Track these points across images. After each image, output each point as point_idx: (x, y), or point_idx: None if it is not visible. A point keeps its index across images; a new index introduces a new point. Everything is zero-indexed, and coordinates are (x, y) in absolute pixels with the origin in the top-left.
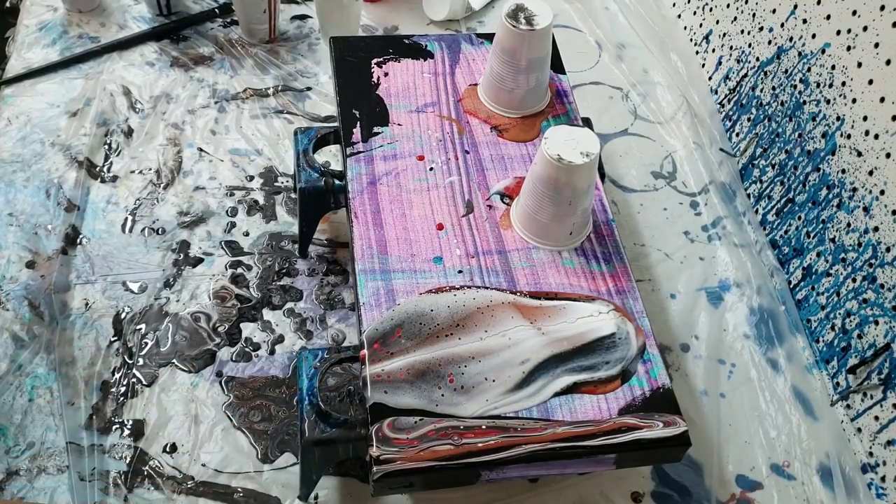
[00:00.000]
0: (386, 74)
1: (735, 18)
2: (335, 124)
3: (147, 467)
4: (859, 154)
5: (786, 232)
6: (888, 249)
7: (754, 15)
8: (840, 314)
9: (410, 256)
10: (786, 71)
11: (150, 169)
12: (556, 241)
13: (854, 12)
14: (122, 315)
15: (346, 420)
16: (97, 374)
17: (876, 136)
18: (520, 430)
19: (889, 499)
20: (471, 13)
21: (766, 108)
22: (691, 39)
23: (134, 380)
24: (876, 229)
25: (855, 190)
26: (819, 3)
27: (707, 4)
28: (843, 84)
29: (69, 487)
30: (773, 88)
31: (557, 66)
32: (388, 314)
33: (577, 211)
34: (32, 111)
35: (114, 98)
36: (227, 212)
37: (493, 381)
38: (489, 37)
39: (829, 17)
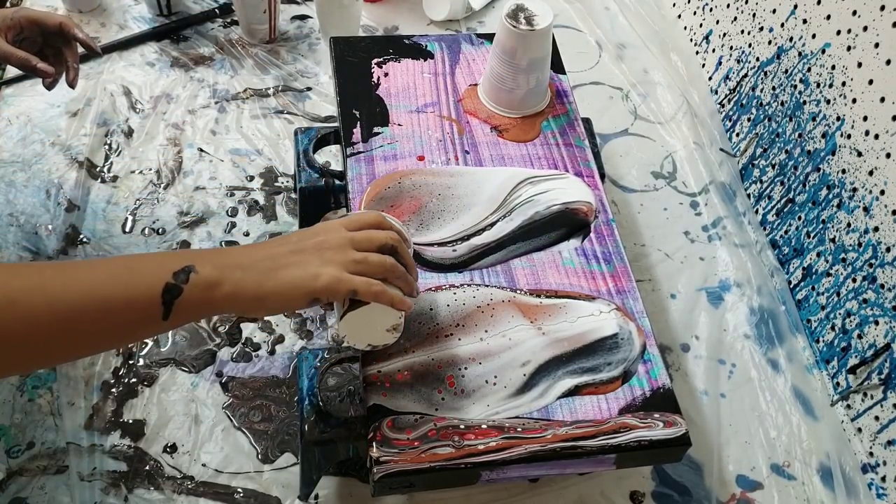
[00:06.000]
0: (386, 74)
1: (735, 18)
2: (335, 124)
3: (147, 467)
4: (859, 154)
5: (786, 232)
6: (888, 249)
7: (754, 15)
8: (840, 314)
9: None
10: (786, 71)
11: (151, 169)
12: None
13: (854, 12)
14: None
15: (347, 420)
16: (97, 374)
17: (876, 137)
18: (520, 430)
19: (889, 499)
20: (471, 13)
21: (767, 108)
22: (691, 39)
23: (134, 380)
24: (876, 229)
25: (855, 190)
26: (819, 3)
27: (707, 4)
28: (844, 84)
29: (69, 487)
30: (774, 88)
31: (557, 66)
32: None
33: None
34: (33, 111)
35: (114, 98)
36: (227, 212)
37: (494, 384)
38: (489, 37)
39: (829, 17)
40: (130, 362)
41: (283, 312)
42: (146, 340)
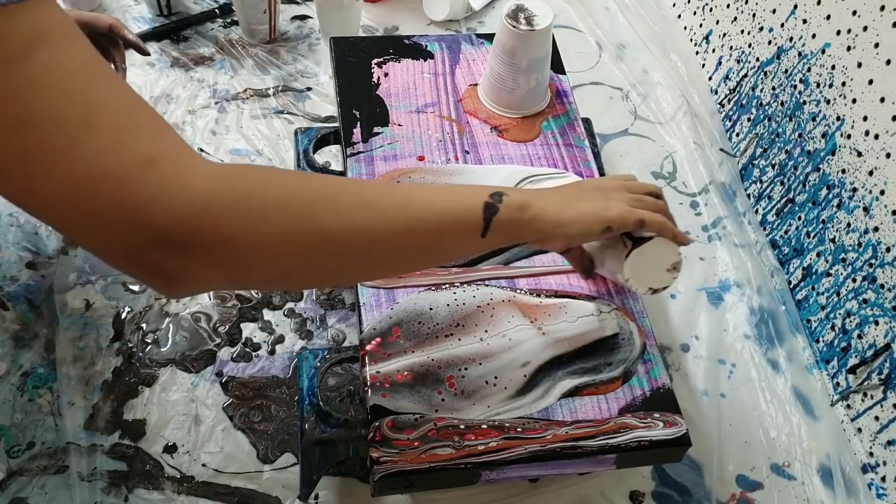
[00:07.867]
0: (386, 75)
1: (735, 18)
2: (335, 124)
3: (147, 467)
4: (859, 154)
5: (786, 232)
6: (888, 249)
7: (754, 15)
8: (840, 314)
9: None
10: (786, 71)
11: None
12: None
13: (854, 12)
14: (122, 315)
15: (347, 420)
16: (97, 374)
17: (876, 137)
18: (520, 430)
19: (889, 499)
20: (471, 13)
21: (766, 108)
22: (691, 39)
23: (134, 380)
24: (876, 229)
25: (855, 190)
26: (819, 3)
27: (707, 4)
28: (843, 84)
29: (69, 487)
30: (773, 88)
31: (557, 66)
32: (387, 312)
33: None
34: None
35: None
36: None
37: (495, 384)
38: (489, 37)
39: (829, 17)
40: (131, 362)
41: (579, 243)
42: (147, 340)
